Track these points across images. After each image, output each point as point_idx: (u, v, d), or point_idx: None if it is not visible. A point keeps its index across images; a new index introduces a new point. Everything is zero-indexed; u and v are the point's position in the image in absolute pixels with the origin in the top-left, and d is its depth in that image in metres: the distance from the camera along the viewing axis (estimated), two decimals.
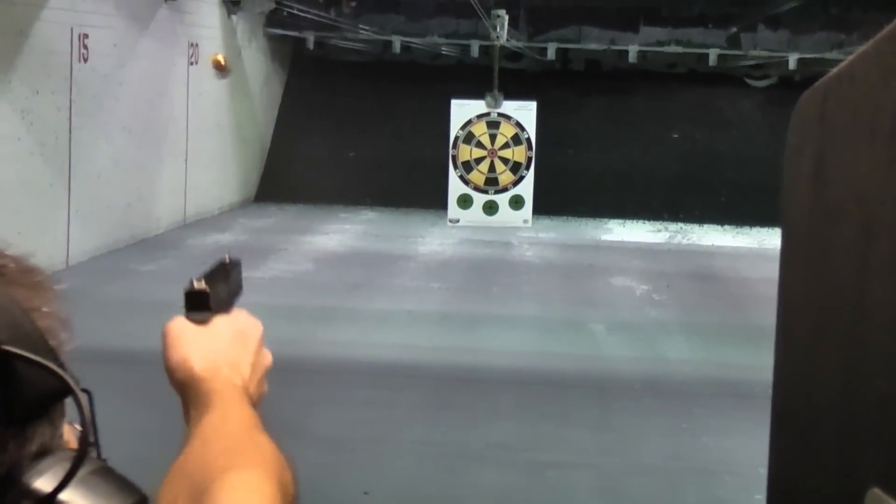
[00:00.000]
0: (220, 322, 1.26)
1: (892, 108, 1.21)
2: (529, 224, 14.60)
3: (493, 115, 14.54)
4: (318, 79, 17.25)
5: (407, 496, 5.60)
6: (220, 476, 1.03)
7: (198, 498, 1.01)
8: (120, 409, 5.60)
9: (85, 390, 0.97)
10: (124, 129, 11.95)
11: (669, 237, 15.11)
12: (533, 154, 14.60)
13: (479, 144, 14.57)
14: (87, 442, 0.96)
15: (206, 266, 1.29)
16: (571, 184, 16.49)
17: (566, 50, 17.04)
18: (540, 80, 16.83)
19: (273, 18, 16.57)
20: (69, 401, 0.99)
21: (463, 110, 14.57)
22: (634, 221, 16.17)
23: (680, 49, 16.62)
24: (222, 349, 1.23)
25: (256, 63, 16.49)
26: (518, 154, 14.62)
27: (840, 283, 1.33)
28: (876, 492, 1.17)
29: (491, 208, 14.66)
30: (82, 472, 0.95)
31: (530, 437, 6.42)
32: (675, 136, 17.11)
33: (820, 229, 1.41)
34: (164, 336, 1.24)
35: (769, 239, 14.42)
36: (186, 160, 13.95)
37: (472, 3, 12.83)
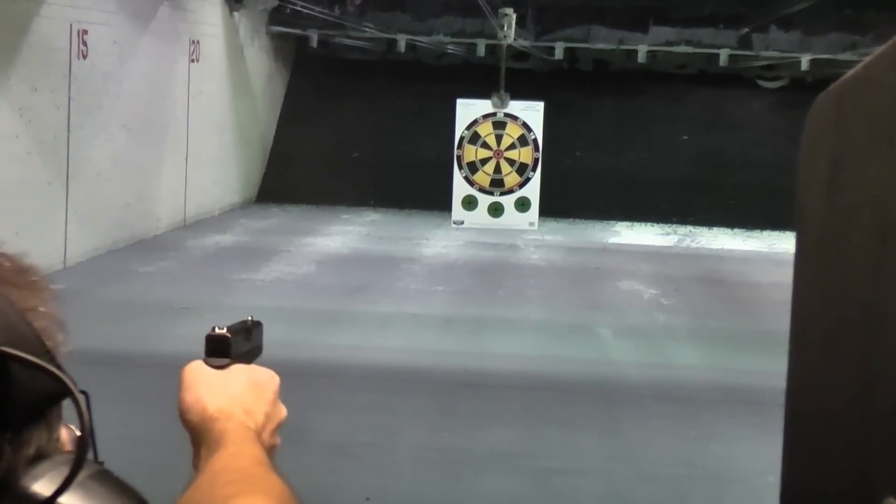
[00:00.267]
0: (237, 369, 1.27)
1: None
2: (535, 226, 14.58)
3: (500, 116, 14.53)
4: (321, 78, 17.26)
5: (409, 503, 5.60)
6: (224, 503, 1.03)
7: None
8: (117, 413, 5.60)
9: (82, 392, 0.97)
10: (124, 128, 11.96)
11: (678, 240, 15.10)
12: (539, 155, 14.58)
13: (485, 145, 14.57)
14: (86, 445, 0.96)
15: (228, 311, 1.31)
16: (578, 186, 16.48)
17: (574, 50, 17.05)
18: (547, 81, 16.83)
19: (276, 16, 16.59)
20: (65, 403, 0.99)
21: (468, 110, 14.56)
22: (642, 224, 16.16)
23: (690, 49, 16.62)
24: (238, 394, 1.24)
25: (259, 61, 16.50)
26: (524, 155, 14.60)
27: (855, 289, 1.33)
28: (891, 501, 1.17)
29: (496, 210, 14.64)
30: (80, 476, 0.95)
31: (536, 444, 6.41)
32: (685, 137, 17.10)
33: (835, 234, 1.41)
34: (181, 378, 1.24)
35: (779, 242, 14.41)
36: (187, 159, 13.96)
37: (479, 1, 12.84)
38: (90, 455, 0.98)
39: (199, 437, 1.20)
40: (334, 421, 6.59)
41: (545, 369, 8.01)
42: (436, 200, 15.26)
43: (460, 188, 14.60)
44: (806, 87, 15.59)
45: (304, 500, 1.13)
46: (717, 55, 16.44)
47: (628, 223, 16.15)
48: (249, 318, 1.35)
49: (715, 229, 15.96)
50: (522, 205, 14.66)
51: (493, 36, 14.95)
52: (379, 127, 17.00)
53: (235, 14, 15.16)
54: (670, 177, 16.66)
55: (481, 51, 16.42)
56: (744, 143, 16.77)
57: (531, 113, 14.57)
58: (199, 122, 14.16)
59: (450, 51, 16.93)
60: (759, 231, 15.69)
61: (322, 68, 17.24)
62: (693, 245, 14.79)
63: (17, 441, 0.94)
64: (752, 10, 15.69)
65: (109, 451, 1.07)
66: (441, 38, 16.67)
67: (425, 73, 17.29)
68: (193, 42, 13.87)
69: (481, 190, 14.67)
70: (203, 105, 14.29)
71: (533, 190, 14.65)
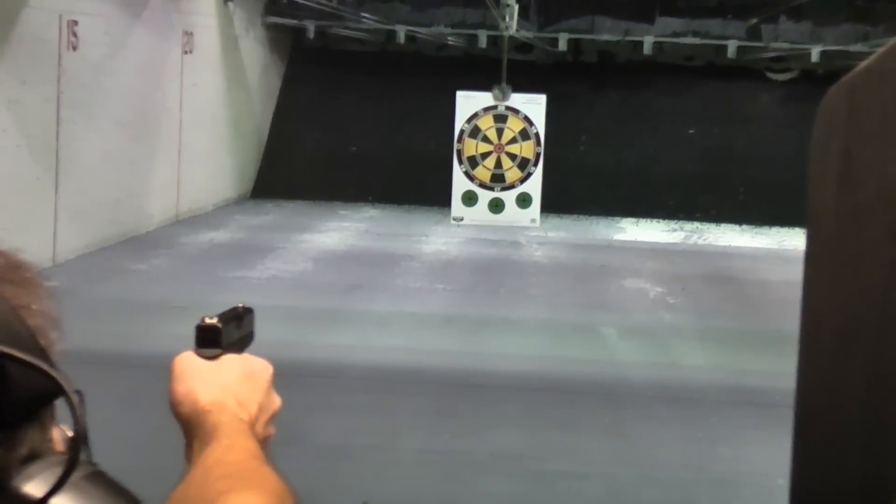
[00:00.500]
0: (229, 359, 1.27)
1: None
2: (537, 223, 14.60)
3: (501, 109, 14.53)
4: (318, 70, 17.26)
5: None
6: (218, 498, 1.03)
7: None
8: (109, 414, 5.61)
9: (77, 391, 0.97)
10: (115, 122, 11.96)
11: (685, 237, 15.11)
12: (542, 150, 14.58)
13: (486, 139, 14.57)
14: (79, 446, 0.96)
15: (219, 309, 1.32)
16: (582, 181, 16.49)
17: (578, 41, 17.04)
18: (550, 73, 16.83)
19: (272, 6, 16.60)
20: (58, 403, 1.00)
21: (469, 103, 14.57)
22: (648, 221, 16.16)
23: (697, 41, 16.61)
24: (230, 385, 1.24)
25: (254, 53, 16.50)
26: (526, 149, 14.60)
27: (867, 287, 1.33)
28: None
29: (497, 206, 14.65)
30: (74, 476, 0.95)
31: (538, 446, 6.42)
32: (692, 131, 17.10)
33: (847, 231, 1.41)
34: (170, 369, 1.25)
35: (789, 239, 14.41)
36: (180, 154, 13.96)
37: None
38: (84, 456, 0.99)
39: (191, 430, 1.20)
40: (331, 423, 6.59)
41: (548, 370, 8.02)
42: (435, 196, 15.27)
43: (460, 183, 14.60)
44: (816, 80, 15.59)
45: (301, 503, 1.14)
46: (726, 47, 16.44)
47: (633, 219, 16.15)
48: (240, 304, 1.36)
49: (723, 226, 15.96)
50: (524, 201, 14.65)
51: (495, 27, 14.95)
52: (377, 120, 17.00)
53: (230, 4, 15.16)
54: (677, 172, 16.66)
55: (482, 42, 16.42)
56: (752, 137, 16.77)
57: (533, 106, 14.56)
58: (192, 116, 14.16)
59: (450, 42, 16.93)
60: (768, 228, 15.69)
61: (319, 60, 17.24)
62: (700, 242, 14.80)
63: (10, 440, 0.94)
64: (762, 1, 15.69)
65: (103, 452, 1.07)
66: (441, 29, 16.67)
67: (425, 64, 17.28)
68: (187, 33, 13.87)
69: (482, 185, 14.66)
70: (197, 98, 14.29)
71: (535, 185, 14.65)
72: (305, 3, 15.35)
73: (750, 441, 6.49)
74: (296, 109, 17.24)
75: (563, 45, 16.65)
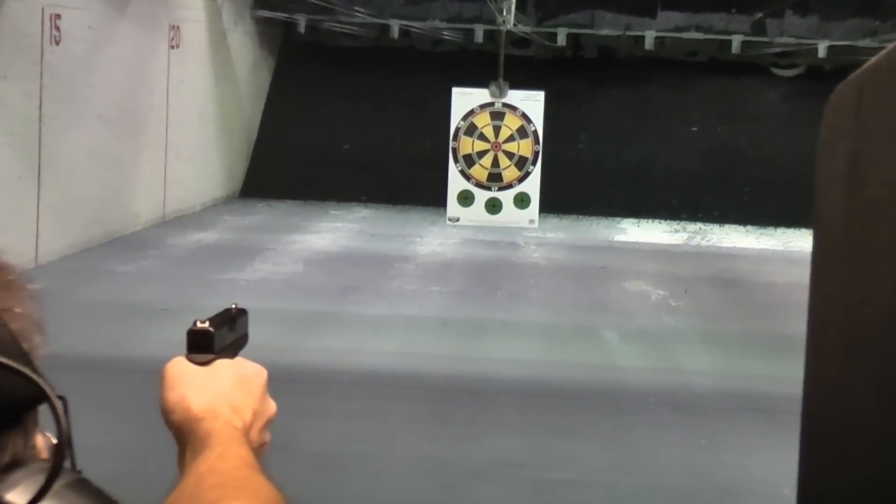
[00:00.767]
0: (222, 364, 1.27)
1: None
2: (536, 224, 14.58)
3: (498, 106, 14.53)
4: (309, 65, 17.26)
5: None
6: None
7: None
8: (94, 420, 5.59)
9: (60, 397, 0.97)
10: (99, 118, 11.96)
11: (688, 238, 15.12)
12: (540, 148, 14.57)
13: (482, 137, 14.56)
14: (63, 453, 0.96)
15: (208, 312, 1.32)
16: (582, 180, 16.50)
17: (577, 36, 17.05)
18: (549, 69, 16.84)
19: (261, 0, 16.58)
20: (42, 409, 0.99)
21: (465, 100, 14.55)
22: (650, 221, 16.18)
23: (700, 35, 16.63)
24: (224, 391, 1.24)
25: (243, 48, 16.50)
26: (524, 148, 14.60)
27: (877, 288, 1.33)
28: None
29: (494, 206, 14.63)
30: (57, 484, 0.95)
31: (537, 454, 6.42)
32: (695, 129, 17.12)
33: (855, 231, 1.41)
34: (161, 376, 1.24)
35: (795, 240, 14.43)
36: (166, 152, 13.96)
37: None
38: (67, 463, 0.99)
39: (183, 438, 1.20)
40: (324, 430, 6.59)
41: (547, 375, 8.02)
42: (430, 196, 15.25)
43: (456, 183, 14.59)
44: (823, 76, 15.61)
45: None
46: (730, 42, 16.45)
47: (635, 220, 16.16)
48: (233, 305, 1.36)
49: (727, 226, 15.98)
50: (522, 201, 14.65)
51: (492, 21, 14.95)
52: (370, 117, 17.00)
53: None
54: (679, 171, 16.67)
55: (479, 37, 16.42)
56: (757, 134, 16.79)
57: (531, 103, 14.55)
58: (179, 113, 14.15)
59: (446, 37, 16.93)
60: (773, 228, 15.71)
61: (310, 55, 17.24)
62: (704, 243, 14.81)
63: None
64: None
65: (87, 460, 1.07)
66: (437, 23, 16.67)
67: (420, 60, 17.29)
68: (173, 27, 13.87)
69: (478, 185, 14.65)
70: (184, 94, 14.29)
71: (533, 185, 14.64)
72: None
73: (755, 448, 6.49)
74: (286, 106, 17.24)
75: (562, 40, 16.65)
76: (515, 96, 14.54)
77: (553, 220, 15.40)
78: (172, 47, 13.88)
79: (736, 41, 16.40)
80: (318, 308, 9.81)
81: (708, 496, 5.94)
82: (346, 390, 7.41)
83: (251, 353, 1.37)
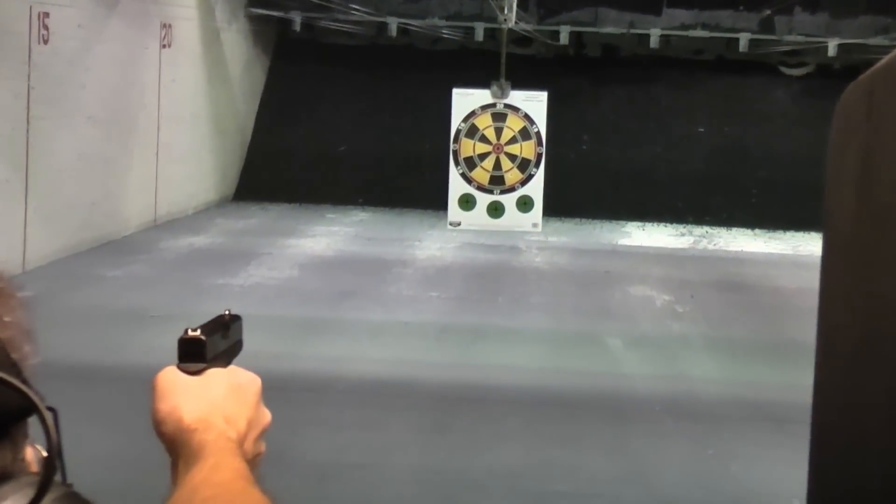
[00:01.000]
0: (215, 374, 1.27)
1: None
2: (539, 228, 14.58)
3: (500, 107, 14.53)
4: (305, 65, 17.26)
5: None
6: None
7: None
8: (84, 431, 5.59)
9: (50, 408, 0.97)
10: (89, 119, 11.96)
11: (694, 242, 15.12)
12: (543, 150, 14.57)
13: (484, 139, 14.56)
14: (53, 465, 0.96)
15: (200, 319, 1.32)
16: (586, 183, 16.50)
17: (581, 34, 17.06)
18: (551, 68, 16.84)
19: None
20: (32, 421, 1.00)
21: (466, 100, 14.55)
22: (655, 224, 16.17)
23: (707, 33, 16.64)
24: (217, 401, 1.24)
25: (237, 47, 16.50)
26: (526, 150, 14.60)
27: (887, 294, 1.33)
28: None
29: (496, 210, 14.63)
30: (47, 498, 0.95)
31: (539, 464, 6.42)
32: (701, 129, 17.12)
33: (866, 234, 1.41)
34: (153, 386, 1.24)
35: (805, 244, 14.43)
36: (158, 154, 13.96)
37: None
38: (58, 476, 0.99)
39: (176, 450, 1.20)
40: (319, 440, 6.59)
41: (549, 383, 8.02)
42: (430, 199, 15.25)
43: (457, 186, 14.58)
44: (833, 75, 15.63)
45: None
46: (737, 40, 16.46)
47: (640, 223, 16.16)
48: (226, 311, 1.35)
49: (734, 230, 15.98)
50: (525, 204, 14.64)
51: (493, 19, 14.95)
52: (368, 118, 17.00)
53: None
54: (685, 172, 16.67)
55: (480, 35, 16.43)
56: (765, 135, 16.79)
57: (534, 104, 14.55)
58: (171, 113, 14.16)
59: (445, 35, 16.93)
60: (782, 232, 15.71)
61: (306, 54, 17.24)
62: (710, 247, 14.81)
63: None
64: None
65: (78, 472, 1.07)
66: (436, 21, 16.68)
67: (419, 59, 17.29)
68: (165, 25, 13.87)
69: (480, 188, 14.65)
70: (175, 94, 14.29)
71: (536, 188, 14.64)
72: None
73: (764, 459, 6.49)
74: (281, 106, 17.24)
75: (564, 39, 16.66)
76: (517, 97, 14.54)
77: (556, 224, 15.39)
78: (164, 46, 13.88)
79: (743, 39, 16.41)
80: (314, 314, 9.80)
81: None
82: (342, 399, 7.41)
83: (245, 360, 1.37)
